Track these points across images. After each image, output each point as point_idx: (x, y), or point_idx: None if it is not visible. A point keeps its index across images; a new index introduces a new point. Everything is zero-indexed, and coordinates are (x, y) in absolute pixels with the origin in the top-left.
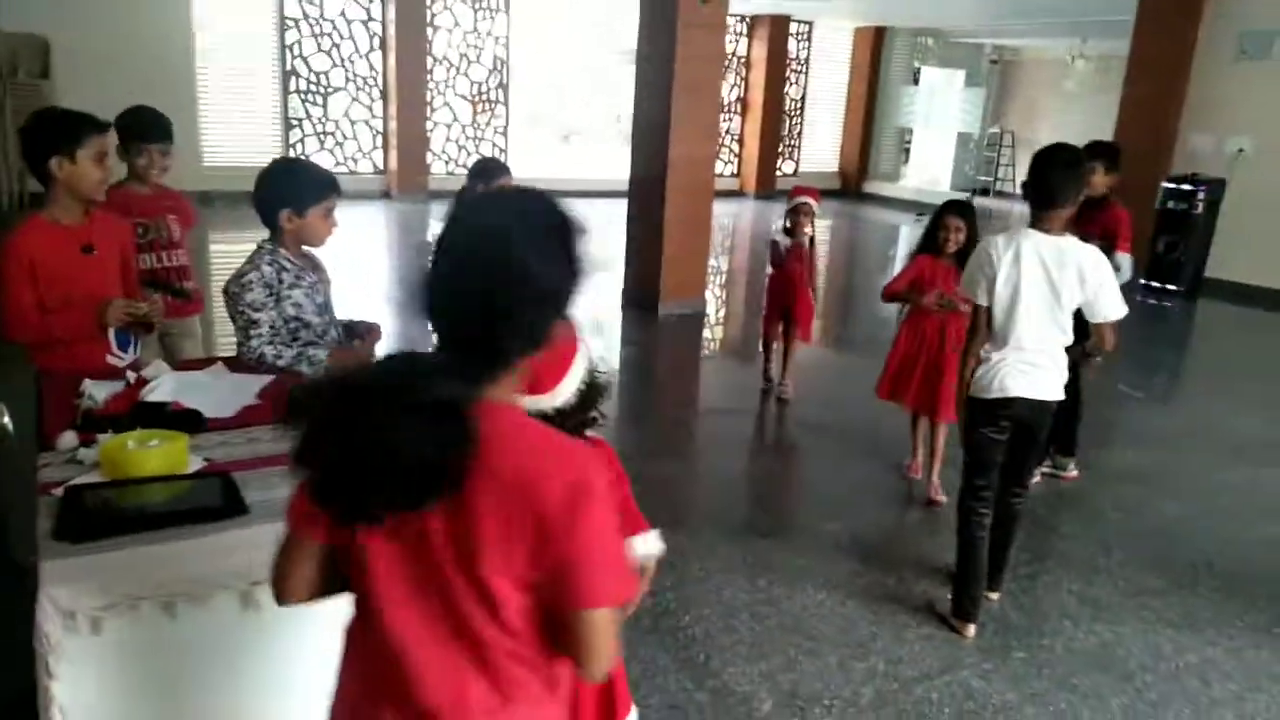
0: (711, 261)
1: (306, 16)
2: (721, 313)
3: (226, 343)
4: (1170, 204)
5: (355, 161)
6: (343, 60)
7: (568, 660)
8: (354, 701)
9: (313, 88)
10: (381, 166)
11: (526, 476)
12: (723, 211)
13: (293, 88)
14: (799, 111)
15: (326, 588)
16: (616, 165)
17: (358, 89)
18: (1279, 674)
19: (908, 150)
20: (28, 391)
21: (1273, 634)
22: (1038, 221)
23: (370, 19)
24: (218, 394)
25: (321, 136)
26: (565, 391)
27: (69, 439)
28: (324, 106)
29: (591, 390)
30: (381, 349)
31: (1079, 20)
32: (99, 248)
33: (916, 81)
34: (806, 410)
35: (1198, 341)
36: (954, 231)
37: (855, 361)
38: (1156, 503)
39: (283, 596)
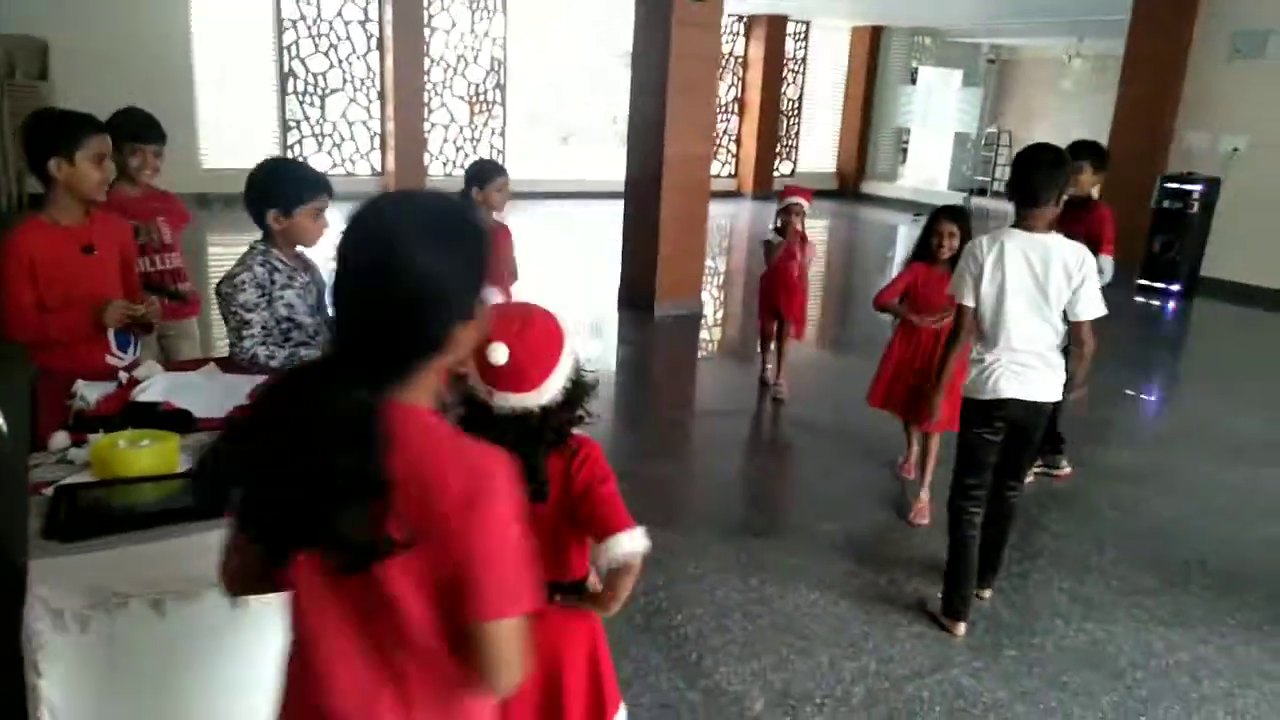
0: (709, 262)
1: (304, 18)
2: (718, 313)
3: (224, 344)
4: (1166, 203)
5: (353, 163)
6: (340, 61)
7: (476, 674)
8: (291, 707)
9: (310, 89)
10: (379, 168)
11: (427, 476)
12: (720, 212)
13: (290, 89)
14: (796, 112)
15: (264, 585)
16: (615, 166)
17: (355, 90)
18: (1269, 671)
19: (905, 150)
20: (24, 391)
21: (1264, 631)
22: (1021, 221)
23: (367, 20)
24: (209, 394)
25: (319, 138)
26: (551, 389)
27: (60, 439)
28: (321, 108)
29: (577, 388)
30: None
31: (1076, 20)
32: (99, 248)
33: (914, 81)
34: (802, 411)
35: (1194, 341)
36: (948, 237)
37: (852, 362)
38: (1151, 502)
39: (226, 588)
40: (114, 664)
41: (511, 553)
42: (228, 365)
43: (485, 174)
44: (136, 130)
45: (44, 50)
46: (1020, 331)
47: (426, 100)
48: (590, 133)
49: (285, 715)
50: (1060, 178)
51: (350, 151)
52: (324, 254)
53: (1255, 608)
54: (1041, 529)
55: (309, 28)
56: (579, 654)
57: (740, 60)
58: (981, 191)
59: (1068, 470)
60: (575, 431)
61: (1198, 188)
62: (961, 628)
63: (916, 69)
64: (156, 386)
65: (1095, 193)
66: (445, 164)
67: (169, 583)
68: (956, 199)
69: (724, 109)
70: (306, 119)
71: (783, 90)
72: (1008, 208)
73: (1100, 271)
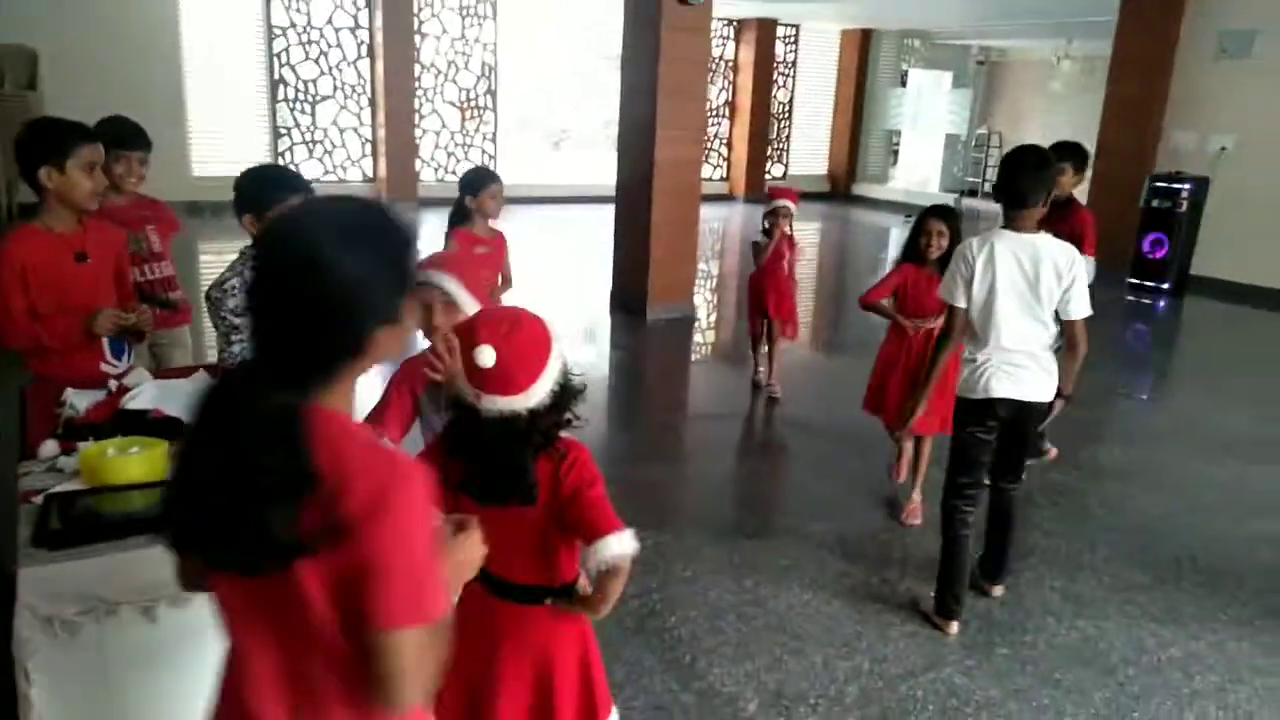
0: (701, 265)
1: (294, 25)
2: (711, 316)
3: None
4: (1155, 202)
5: (344, 170)
6: (331, 68)
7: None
8: (221, 709)
9: (301, 96)
10: (371, 174)
11: (338, 478)
12: (712, 215)
13: (281, 96)
14: (787, 115)
15: (208, 584)
16: (606, 170)
17: (346, 97)
18: (1261, 666)
19: (896, 152)
20: (14, 399)
21: (1255, 626)
22: (1010, 222)
23: (358, 27)
24: None
25: (310, 145)
26: (539, 393)
27: (50, 447)
28: (312, 115)
29: (565, 392)
30: None
31: (1064, 21)
32: (92, 256)
33: (904, 83)
34: (795, 412)
35: (1184, 339)
36: (936, 236)
37: (844, 363)
38: (1141, 499)
39: (181, 586)
40: (105, 670)
41: (416, 562)
42: (217, 372)
43: (478, 181)
44: (121, 138)
45: (33, 59)
46: (1011, 331)
47: (417, 106)
48: (582, 137)
49: (217, 716)
50: (1047, 179)
51: (341, 158)
52: None
53: (1246, 603)
54: (1033, 527)
55: (299, 35)
56: (570, 657)
57: (730, 64)
58: (972, 193)
59: (1053, 451)
60: (564, 435)
61: (1186, 187)
62: (954, 627)
63: (906, 71)
64: (146, 394)
65: (1076, 194)
66: (437, 170)
67: (159, 589)
68: (948, 200)
69: (715, 112)
70: (297, 126)
71: (773, 93)
72: (998, 209)
73: None
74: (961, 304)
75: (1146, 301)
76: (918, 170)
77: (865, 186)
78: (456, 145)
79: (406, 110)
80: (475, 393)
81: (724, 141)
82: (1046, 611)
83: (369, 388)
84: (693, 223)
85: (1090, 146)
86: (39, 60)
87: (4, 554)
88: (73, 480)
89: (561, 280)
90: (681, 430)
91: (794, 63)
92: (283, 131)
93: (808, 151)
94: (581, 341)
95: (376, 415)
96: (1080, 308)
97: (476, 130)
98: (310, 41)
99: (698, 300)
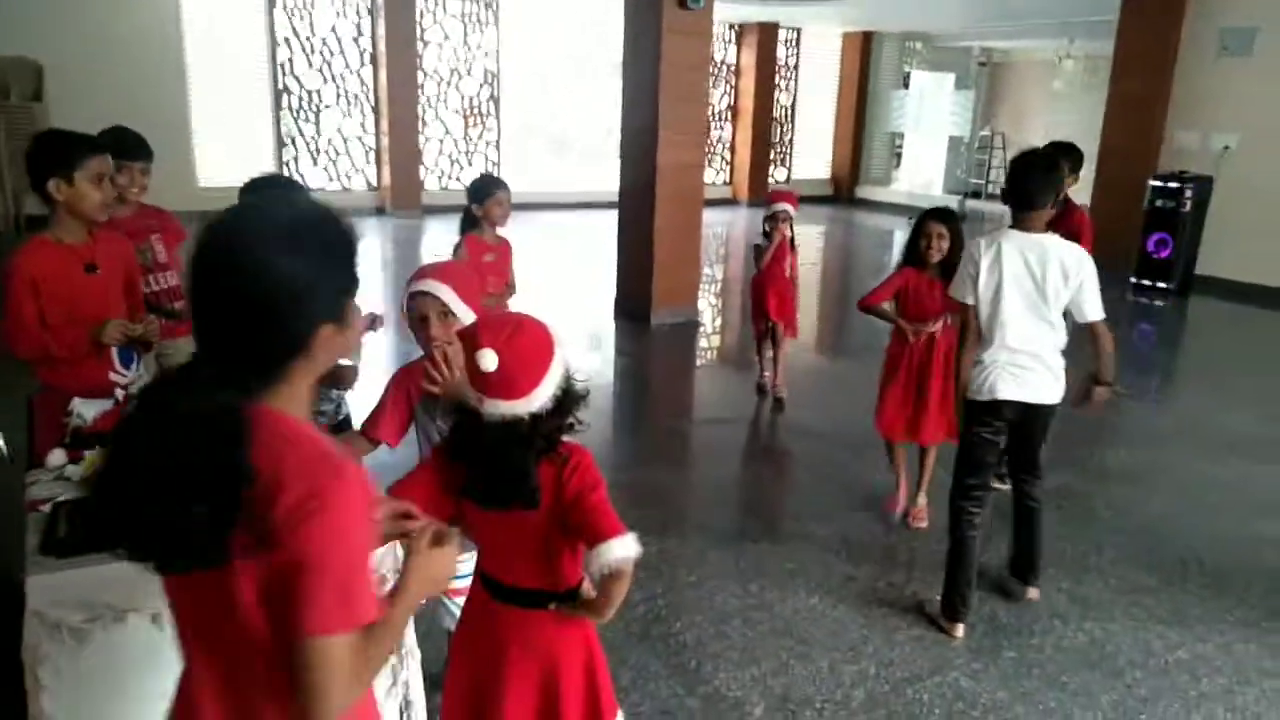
0: (705, 270)
1: (297, 34)
2: (715, 321)
3: None
4: (1159, 202)
5: (349, 178)
6: (334, 77)
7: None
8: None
9: (304, 105)
10: (375, 182)
11: (273, 476)
12: (715, 220)
13: (285, 105)
14: (789, 118)
15: None
16: (609, 176)
17: (349, 105)
18: (1268, 668)
19: (899, 154)
20: (22, 409)
21: (1262, 628)
22: (1019, 222)
23: (360, 35)
24: None
25: (314, 154)
26: (541, 397)
27: (57, 456)
28: (316, 124)
29: (568, 396)
30: (371, 339)
31: (1066, 21)
32: (102, 267)
33: (906, 85)
34: (799, 416)
35: (1189, 339)
36: (936, 238)
37: (849, 367)
38: (1147, 501)
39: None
40: (113, 677)
41: (348, 563)
42: None
43: (484, 189)
44: (123, 148)
45: (39, 71)
46: (1017, 331)
47: (420, 114)
48: (585, 143)
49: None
50: (1055, 180)
51: (346, 167)
52: None
53: (1253, 605)
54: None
55: (302, 44)
56: (575, 661)
57: (732, 68)
58: (976, 194)
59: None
60: (566, 439)
61: (1190, 186)
62: (960, 629)
63: (908, 73)
64: None
65: (1076, 195)
66: (441, 177)
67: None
68: (952, 202)
69: (717, 117)
70: (301, 135)
71: (775, 97)
72: (1003, 210)
73: None
74: (971, 301)
75: (1150, 301)
76: (921, 172)
77: (868, 189)
78: (460, 152)
79: (410, 118)
80: (477, 397)
81: (727, 146)
82: (1053, 614)
83: (366, 393)
84: (696, 227)
85: (1094, 146)
86: (44, 72)
87: (12, 562)
88: (80, 489)
89: (565, 286)
90: (686, 435)
91: (796, 66)
92: (287, 140)
93: (811, 155)
94: (586, 347)
95: (372, 420)
96: (1094, 309)
97: (480, 137)
98: (313, 51)
99: (701, 305)
